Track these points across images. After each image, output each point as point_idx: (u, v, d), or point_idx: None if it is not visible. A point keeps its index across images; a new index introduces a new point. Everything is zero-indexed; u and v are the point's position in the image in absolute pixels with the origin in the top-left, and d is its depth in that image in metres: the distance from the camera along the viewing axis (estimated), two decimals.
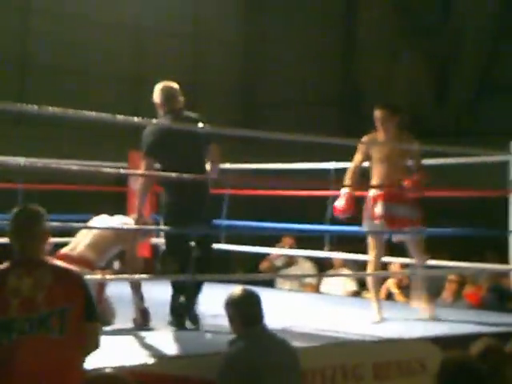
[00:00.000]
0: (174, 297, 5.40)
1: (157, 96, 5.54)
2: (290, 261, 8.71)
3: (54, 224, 5.29)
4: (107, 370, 2.80)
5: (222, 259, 8.98)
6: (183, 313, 5.34)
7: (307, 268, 8.58)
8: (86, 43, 13.07)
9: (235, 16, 15.30)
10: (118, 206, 7.89)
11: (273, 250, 8.57)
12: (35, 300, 3.25)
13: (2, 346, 3.20)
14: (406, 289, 7.96)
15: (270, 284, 8.13)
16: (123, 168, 7.38)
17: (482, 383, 3.21)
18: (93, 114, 4.76)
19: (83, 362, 3.39)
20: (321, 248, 7.28)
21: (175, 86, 5.58)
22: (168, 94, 5.51)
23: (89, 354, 3.41)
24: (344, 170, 7.21)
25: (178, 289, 5.39)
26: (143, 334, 5.05)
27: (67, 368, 3.28)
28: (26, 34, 13.00)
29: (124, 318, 5.39)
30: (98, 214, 5.89)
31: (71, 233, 5.71)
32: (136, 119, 4.99)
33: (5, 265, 3.37)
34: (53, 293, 3.28)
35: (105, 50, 13.24)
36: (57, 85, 12.32)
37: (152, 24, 14.00)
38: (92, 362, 3.51)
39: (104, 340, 3.54)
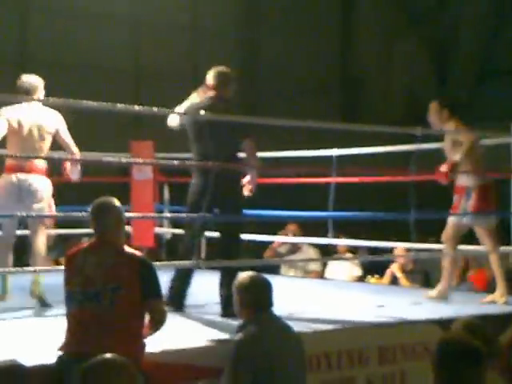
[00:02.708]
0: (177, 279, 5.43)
1: (210, 78, 5.51)
2: (294, 248, 8.71)
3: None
4: (107, 355, 2.83)
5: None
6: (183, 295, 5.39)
7: (311, 254, 8.57)
8: (85, 37, 13.06)
9: (233, 6, 15.26)
10: (121, 196, 7.88)
11: (276, 238, 8.56)
12: (94, 277, 3.71)
13: (69, 311, 3.77)
14: (410, 273, 7.97)
15: (274, 271, 8.13)
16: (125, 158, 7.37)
17: (480, 361, 3.20)
18: (94, 103, 4.76)
19: (141, 338, 3.77)
20: (324, 234, 7.28)
21: (232, 73, 5.57)
22: (222, 79, 5.49)
23: (157, 328, 3.83)
24: (346, 157, 7.22)
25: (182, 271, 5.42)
26: None
27: (118, 335, 3.64)
28: (25, 30, 12.99)
29: None
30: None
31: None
32: (136, 107, 4.97)
33: (81, 245, 4.01)
34: (109, 272, 3.72)
35: (104, 43, 13.23)
36: (56, 79, 12.29)
37: (150, 17, 13.98)
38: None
39: None
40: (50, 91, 5.89)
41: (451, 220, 6.26)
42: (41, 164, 5.64)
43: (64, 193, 5.95)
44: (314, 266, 8.71)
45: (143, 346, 3.79)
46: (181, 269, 5.43)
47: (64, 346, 3.70)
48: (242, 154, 5.59)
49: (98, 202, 3.95)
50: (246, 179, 5.52)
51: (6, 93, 5.27)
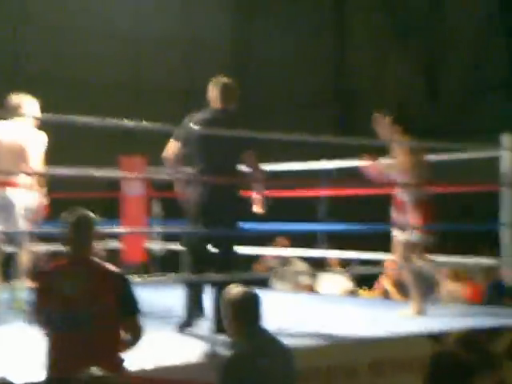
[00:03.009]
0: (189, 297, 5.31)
1: (212, 90, 5.44)
2: (284, 261, 8.68)
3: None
4: (100, 373, 2.81)
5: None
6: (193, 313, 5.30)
7: (301, 268, 8.55)
8: (84, 54, 13.07)
9: (226, 21, 15.29)
10: (109, 211, 7.85)
11: (267, 251, 8.54)
12: (73, 299, 3.55)
13: (49, 335, 3.59)
14: (401, 286, 7.94)
15: (264, 285, 8.10)
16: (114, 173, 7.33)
17: (471, 374, 3.20)
18: (82, 118, 4.74)
19: (120, 354, 3.66)
20: (315, 247, 7.27)
21: (233, 85, 5.51)
22: (223, 91, 5.42)
23: (134, 344, 3.73)
24: (338, 170, 7.21)
25: (193, 289, 5.31)
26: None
27: (101, 359, 3.50)
28: (24, 44, 13.01)
29: None
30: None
31: None
32: (129, 123, 4.95)
33: (56, 264, 3.81)
34: (88, 293, 3.57)
35: (103, 59, 13.24)
36: (54, 94, 12.29)
37: (146, 33, 14.01)
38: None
39: None
40: (49, 106, 5.92)
41: (394, 236, 6.21)
42: (22, 179, 5.70)
43: (53, 208, 5.92)
44: (305, 280, 8.68)
45: (122, 361, 3.69)
46: (191, 287, 5.30)
47: (45, 369, 3.60)
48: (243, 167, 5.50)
49: (76, 216, 3.75)
50: (255, 196, 5.45)
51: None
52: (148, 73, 14.02)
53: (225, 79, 5.50)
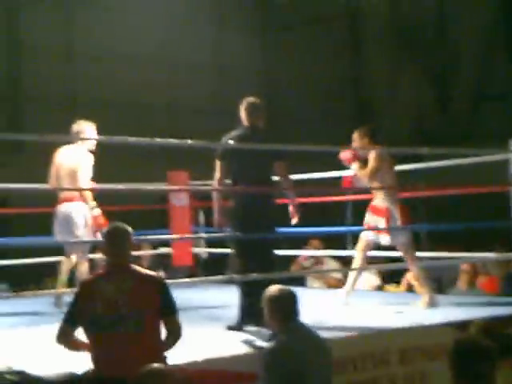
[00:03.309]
0: (244, 301, 5.18)
1: (242, 109, 5.42)
2: (317, 261, 8.62)
3: None
4: (155, 365, 2.77)
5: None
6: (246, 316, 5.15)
7: (332, 267, 8.49)
8: (124, 76, 13.14)
9: (254, 45, 15.32)
10: (161, 222, 7.87)
11: (301, 252, 8.49)
12: (116, 302, 3.52)
13: (93, 336, 3.55)
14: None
15: (301, 283, 8.04)
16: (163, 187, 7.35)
17: (492, 361, 3.16)
18: (135, 139, 4.76)
19: (163, 352, 3.62)
20: (344, 247, 7.21)
21: (259, 102, 5.47)
22: (251, 109, 5.40)
23: (173, 343, 3.69)
24: None
25: (247, 292, 5.16)
26: (191, 333, 4.99)
27: (146, 357, 3.39)
28: (72, 74, 13.13)
29: None
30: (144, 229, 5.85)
31: None
32: (172, 140, 4.93)
33: (98, 272, 3.86)
34: (132, 296, 3.55)
35: (140, 81, 13.30)
36: (99, 116, 12.37)
37: (181, 57, 14.07)
38: None
39: None
40: (98, 128, 6.01)
41: (365, 236, 6.14)
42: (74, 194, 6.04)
43: (111, 220, 5.93)
44: (336, 277, 8.61)
45: (165, 359, 3.65)
46: (252, 285, 5.13)
47: (89, 370, 3.56)
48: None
49: (113, 228, 3.76)
50: (291, 207, 5.41)
51: (53, 130, 5.33)
52: (183, 95, 14.04)
53: (252, 99, 5.48)
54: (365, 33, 15.81)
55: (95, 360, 3.55)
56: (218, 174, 5.29)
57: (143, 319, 3.53)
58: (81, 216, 6.07)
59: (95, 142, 6.14)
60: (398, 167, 7.21)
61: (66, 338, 3.60)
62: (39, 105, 12.54)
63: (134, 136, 5.19)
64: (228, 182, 5.37)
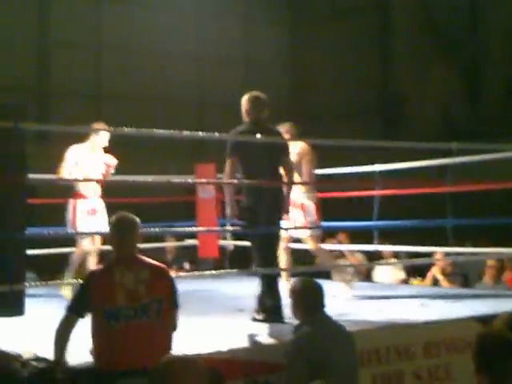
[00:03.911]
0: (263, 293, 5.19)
1: (244, 104, 5.40)
2: (341, 255, 8.65)
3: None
4: (179, 355, 2.77)
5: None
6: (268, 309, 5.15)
7: (359, 260, 8.52)
8: (155, 71, 13.22)
9: (282, 41, 15.33)
10: (188, 213, 7.93)
11: (328, 246, 8.51)
12: (137, 292, 3.48)
13: (113, 329, 3.44)
14: (450, 275, 7.85)
15: (326, 276, 8.06)
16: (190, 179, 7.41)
17: None
18: (160, 131, 4.81)
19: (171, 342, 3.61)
20: (370, 241, 7.21)
21: (262, 96, 5.42)
22: (253, 104, 5.36)
23: (173, 333, 3.66)
24: (388, 172, 7.16)
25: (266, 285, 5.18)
26: (216, 324, 5.05)
27: (164, 346, 3.48)
28: (100, 66, 13.24)
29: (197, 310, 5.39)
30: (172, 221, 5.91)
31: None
32: (201, 133, 4.98)
33: (108, 263, 3.64)
34: (150, 286, 3.52)
35: (167, 75, 13.37)
36: (128, 110, 12.49)
37: (209, 52, 14.12)
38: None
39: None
40: (124, 121, 6.09)
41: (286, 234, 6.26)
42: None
43: (142, 211, 6.01)
44: (362, 271, 8.65)
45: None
46: (267, 280, 5.21)
47: (110, 361, 3.46)
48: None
49: (123, 219, 3.68)
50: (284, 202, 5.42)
51: (79, 122, 5.45)
52: (211, 89, 14.08)
53: (256, 93, 5.44)
54: (394, 26, 15.74)
55: (108, 350, 3.46)
56: (228, 169, 5.26)
57: (162, 308, 3.53)
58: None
59: (104, 139, 6.28)
60: (426, 162, 7.23)
61: (69, 328, 3.50)
62: (67, 97, 12.68)
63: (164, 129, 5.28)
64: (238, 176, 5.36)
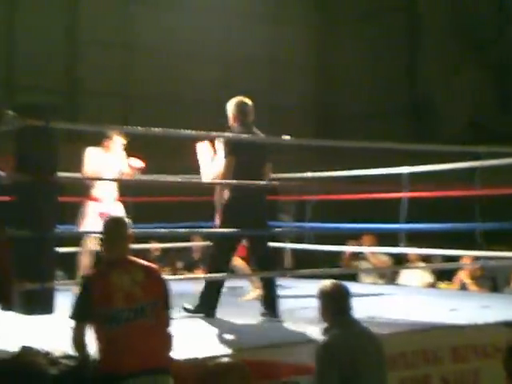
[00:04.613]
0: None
1: (231, 109, 5.52)
2: (370, 257, 8.64)
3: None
4: (224, 359, 2.74)
5: (308, 257, 8.98)
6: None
7: (385, 263, 8.50)
8: (178, 73, 13.28)
9: (310, 40, 15.31)
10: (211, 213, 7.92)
11: (351, 248, 8.50)
12: (134, 294, 3.48)
13: (112, 330, 3.42)
14: (479, 279, 7.80)
15: (353, 278, 8.07)
16: None
17: None
18: (187, 131, 4.87)
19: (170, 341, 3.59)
20: (397, 244, 7.20)
21: (249, 102, 5.55)
22: (242, 108, 5.49)
23: None
24: (415, 174, 7.14)
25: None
26: (239, 324, 5.07)
27: (165, 345, 3.52)
28: (129, 68, 13.34)
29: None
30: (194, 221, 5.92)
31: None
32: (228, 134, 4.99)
33: (103, 265, 3.64)
34: (146, 287, 3.52)
35: (194, 76, 13.41)
36: (156, 110, 12.55)
37: (235, 52, 14.14)
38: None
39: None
40: (152, 121, 6.13)
41: None
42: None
43: (171, 211, 6.09)
44: (389, 274, 8.64)
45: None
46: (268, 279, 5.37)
47: (115, 364, 3.41)
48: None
49: (113, 221, 3.73)
50: None
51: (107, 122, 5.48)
52: (237, 90, 14.10)
53: (242, 99, 5.56)
54: (422, 27, 15.66)
55: (113, 353, 3.42)
56: (227, 169, 5.34)
57: (157, 309, 3.52)
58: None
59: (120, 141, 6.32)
60: (454, 165, 7.19)
61: (82, 336, 3.49)
62: (95, 97, 12.77)
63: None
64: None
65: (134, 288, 3.48)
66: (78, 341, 3.47)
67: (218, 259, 5.38)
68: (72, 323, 3.51)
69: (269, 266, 5.41)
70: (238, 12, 14.11)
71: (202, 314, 5.21)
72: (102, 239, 3.68)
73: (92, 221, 6.18)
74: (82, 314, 3.50)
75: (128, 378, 3.36)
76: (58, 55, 12.69)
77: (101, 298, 3.45)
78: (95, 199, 6.25)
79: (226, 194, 5.48)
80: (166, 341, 3.55)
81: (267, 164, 5.50)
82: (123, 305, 3.44)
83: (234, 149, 5.35)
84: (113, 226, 3.68)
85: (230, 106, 5.51)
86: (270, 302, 5.33)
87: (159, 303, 3.54)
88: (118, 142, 6.32)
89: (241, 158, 5.33)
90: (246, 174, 5.28)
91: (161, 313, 3.54)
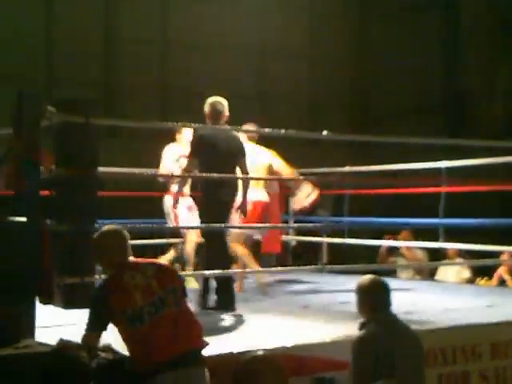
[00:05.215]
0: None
1: (206, 108, 5.59)
2: (408, 252, 8.59)
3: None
4: (260, 353, 2.73)
5: (346, 252, 8.96)
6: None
7: (423, 258, 8.45)
8: (217, 67, 13.29)
9: (347, 35, 15.23)
10: None
11: (388, 243, 8.46)
12: (151, 287, 3.50)
13: (137, 329, 3.42)
14: None
15: (390, 273, 8.03)
16: None
17: None
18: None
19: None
20: (436, 239, 7.14)
21: (224, 102, 5.61)
22: (215, 108, 5.56)
23: None
24: (454, 169, 7.07)
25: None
26: (269, 319, 5.07)
27: (192, 332, 3.50)
28: (165, 64, 13.40)
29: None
30: None
31: None
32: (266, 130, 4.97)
33: (113, 272, 3.60)
34: (160, 278, 3.54)
35: (231, 70, 13.42)
36: (193, 106, 12.59)
37: (273, 47, 14.12)
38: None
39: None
40: (190, 117, 6.15)
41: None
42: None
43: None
44: (428, 269, 8.59)
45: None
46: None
47: (147, 361, 3.40)
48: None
49: (112, 231, 3.71)
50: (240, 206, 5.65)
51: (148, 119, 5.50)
52: (275, 85, 14.08)
53: (216, 98, 5.62)
54: (461, 24, 15.51)
55: (143, 351, 3.42)
56: (187, 167, 5.47)
57: (177, 297, 3.54)
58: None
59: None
60: (492, 160, 7.10)
61: (93, 343, 3.50)
62: (133, 93, 12.85)
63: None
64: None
65: (149, 282, 3.50)
66: (87, 345, 3.49)
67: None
68: (84, 331, 3.52)
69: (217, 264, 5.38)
70: (276, 6, 14.09)
71: (224, 310, 5.24)
72: (106, 250, 3.64)
73: (185, 215, 6.38)
74: (95, 325, 3.52)
75: (163, 371, 3.36)
76: (96, 51, 12.80)
77: (120, 302, 3.46)
78: (182, 194, 6.30)
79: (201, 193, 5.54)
80: (195, 326, 3.54)
81: (240, 165, 5.54)
82: (142, 302, 3.45)
83: (196, 149, 5.42)
84: (114, 235, 3.67)
85: (205, 106, 5.60)
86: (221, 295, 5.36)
87: (177, 290, 3.55)
88: (186, 134, 6.43)
89: (204, 159, 5.39)
90: (210, 172, 5.32)
91: (182, 300, 3.56)
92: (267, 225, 6.93)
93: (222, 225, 5.32)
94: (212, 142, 5.38)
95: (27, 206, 4.04)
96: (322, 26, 14.72)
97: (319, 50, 14.73)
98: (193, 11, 13.40)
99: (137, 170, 6.57)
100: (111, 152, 6.37)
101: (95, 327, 3.52)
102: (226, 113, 5.58)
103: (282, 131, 5.53)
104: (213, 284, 5.47)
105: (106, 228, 3.74)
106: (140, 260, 3.67)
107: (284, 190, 7.91)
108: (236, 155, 5.51)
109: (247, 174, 5.58)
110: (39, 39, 12.40)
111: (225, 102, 5.60)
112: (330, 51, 14.79)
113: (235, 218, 5.74)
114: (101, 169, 4.37)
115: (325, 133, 5.28)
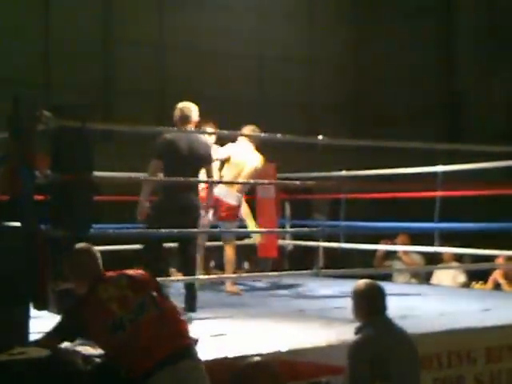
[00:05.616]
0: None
1: (175, 112, 5.60)
2: (404, 256, 8.59)
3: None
4: (256, 358, 2.73)
5: (342, 256, 8.95)
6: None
7: (419, 262, 8.45)
8: (215, 71, 13.30)
9: (346, 38, 15.24)
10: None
11: (384, 247, 8.45)
12: (127, 297, 3.53)
13: (120, 337, 3.45)
14: None
15: (386, 278, 8.02)
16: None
17: None
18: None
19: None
20: (431, 244, 7.14)
21: (192, 107, 5.61)
22: (183, 112, 5.57)
23: None
24: (450, 174, 7.07)
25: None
26: (265, 323, 5.06)
27: (179, 330, 3.53)
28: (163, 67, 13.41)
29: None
30: None
31: None
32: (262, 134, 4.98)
33: (85, 289, 3.61)
34: (134, 287, 3.57)
35: (228, 75, 13.43)
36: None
37: (271, 51, 14.13)
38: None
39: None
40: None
41: None
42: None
43: None
44: (423, 274, 8.58)
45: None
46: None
47: (135, 365, 3.42)
48: None
49: (86, 249, 3.77)
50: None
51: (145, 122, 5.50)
52: (273, 89, 14.09)
53: (185, 103, 5.63)
54: (459, 27, 15.54)
55: (128, 357, 3.44)
56: (151, 170, 5.43)
57: (156, 299, 3.56)
58: None
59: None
60: (488, 164, 7.11)
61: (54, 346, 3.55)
62: (130, 96, 12.84)
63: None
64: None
65: (124, 292, 3.53)
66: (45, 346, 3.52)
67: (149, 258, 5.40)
68: (46, 334, 3.57)
69: (191, 269, 5.43)
70: (274, 10, 14.10)
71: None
72: (80, 266, 3.68)
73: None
74: (59, 333, 3.57)
75: (154, 373, 3.36)
76: (93, 54, 12.79)
77: (97, 317, 3.48)
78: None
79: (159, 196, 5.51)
80: (180, 324, 3.57)
81: (207, 168, 5.59)
82: (121, 312, 3.47)
83: (160, 153, 5.40)
84: (85, 252, 3.73)
85: (175, 110, 5.61)
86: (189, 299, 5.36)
87: (156, 294, 3.58)
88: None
89: (168, 163, 5.39)
90: (173, 176, 5.33)
91: (163, 301, 3.59)
92: (263, 229, 6.93)
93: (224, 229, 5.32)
94: (175, 146, 5.40)
95: (22, 210, 4.03)
96: (321, 30, 14.72)
97: (319, 54, 14.73)
98: (191, 15, 13.40)
99: (133, 175, 6.53)
100: (107, 156, 6.36)
101: (58, 334, 3.57)
102: (194, 118, 5.58)
103: (279, 135, 5.52)
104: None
105: (77, 247, 3.77)
106: (112, 273, 3.68)
107: (280, 193, 7.92)
108: (199, 159, 5.52)
109: (212, 177, 5.67)
110: (37, 42, 12.40)
111: (194, 108, 5.61)
112: (330, 56, 14.80)
113: (207, 218, 5.80)
114: (96, 173, 4.36)
115: (320, 137, 5.28)
